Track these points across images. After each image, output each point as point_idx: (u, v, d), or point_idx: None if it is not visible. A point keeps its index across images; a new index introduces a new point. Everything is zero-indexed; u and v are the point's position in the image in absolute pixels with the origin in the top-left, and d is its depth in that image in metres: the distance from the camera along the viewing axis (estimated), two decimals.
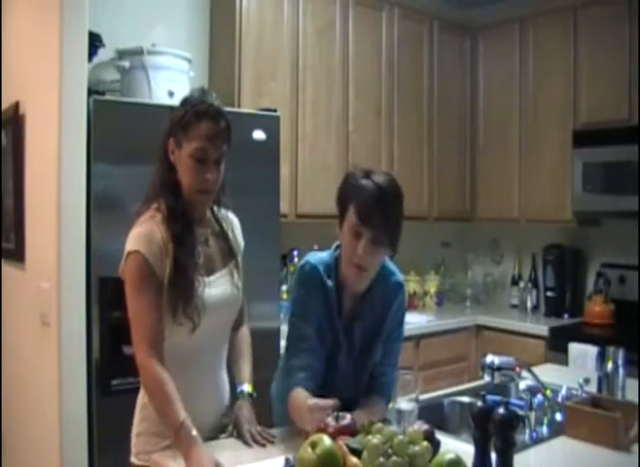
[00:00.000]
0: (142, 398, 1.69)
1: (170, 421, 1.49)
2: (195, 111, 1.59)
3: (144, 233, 1.58)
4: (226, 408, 1.79)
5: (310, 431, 1.49)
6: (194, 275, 1.60)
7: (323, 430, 1.47)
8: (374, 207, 1.62)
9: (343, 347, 1.78)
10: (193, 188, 1.62)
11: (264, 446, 1.63)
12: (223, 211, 1.81)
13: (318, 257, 1.79)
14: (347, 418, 1.50)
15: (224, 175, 1.67)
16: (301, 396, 1.64)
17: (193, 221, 1.66)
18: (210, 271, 1.68)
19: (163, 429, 1.57)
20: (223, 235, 1.76)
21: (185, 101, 1.66)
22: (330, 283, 1.74)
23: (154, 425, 1.63)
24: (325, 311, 1.74)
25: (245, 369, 1.81)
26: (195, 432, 1.48)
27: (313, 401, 1.54)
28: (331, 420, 1.49)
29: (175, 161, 1.63)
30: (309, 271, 1.75)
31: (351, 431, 1.46)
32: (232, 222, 1.84)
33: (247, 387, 1.77)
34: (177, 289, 1.57)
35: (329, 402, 1.51)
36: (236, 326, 1.84)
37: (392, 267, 1.85)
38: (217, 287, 1.67)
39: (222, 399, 1.78)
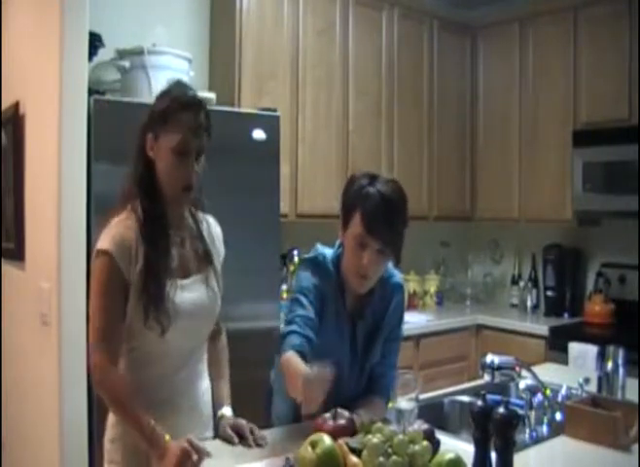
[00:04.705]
0: None
1: (138, 426, 1.44)
2: (176, 102, 1.55)
3: (116, 235, 1.52)
4: (207, 422, 1.70)
5: (302, 403, 1.43)
6: (166, 279, 1.54)
7: (319, 427, 1.46)
8: (381, 219, 1.61)
9: (347, 347, 1.77)
10: (174, 184, 1.55)
11: (260, 446, 1.60)
12: (200, 214, 1.71)
13: (327, 252, 1.79)
14: (345, 417, 1.49)
15: (201, 174, 1.59)
16: (295, 361, 1.53)
17: (169, 222, 1.59)
18: (186, 274, 1.61)
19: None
20: (200, 238, 1.68)
21: (163, 94, 1.59)
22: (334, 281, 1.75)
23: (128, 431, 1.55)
24: (331, 301, 1.71)
25: (225, 389, 1.74)
26: (167, 437, 1.42)
27: (309, 372, 1.43)
28: (328, 418, 1.49)
29: (154, 157, 1.56)
30: (322, 262, 1.74)
31: (348, 432, 1.45)
32: (212, 227, 1.75)
33: (229, 411, 1.70)
34: (148, 293, 1.51)
35: (325, 374, 1.41)
36: (214, 335, 1.76)
37: (391, 268, 1.85)
38: (191, 291, 1.60)
39: (201, 413, 1.68)
